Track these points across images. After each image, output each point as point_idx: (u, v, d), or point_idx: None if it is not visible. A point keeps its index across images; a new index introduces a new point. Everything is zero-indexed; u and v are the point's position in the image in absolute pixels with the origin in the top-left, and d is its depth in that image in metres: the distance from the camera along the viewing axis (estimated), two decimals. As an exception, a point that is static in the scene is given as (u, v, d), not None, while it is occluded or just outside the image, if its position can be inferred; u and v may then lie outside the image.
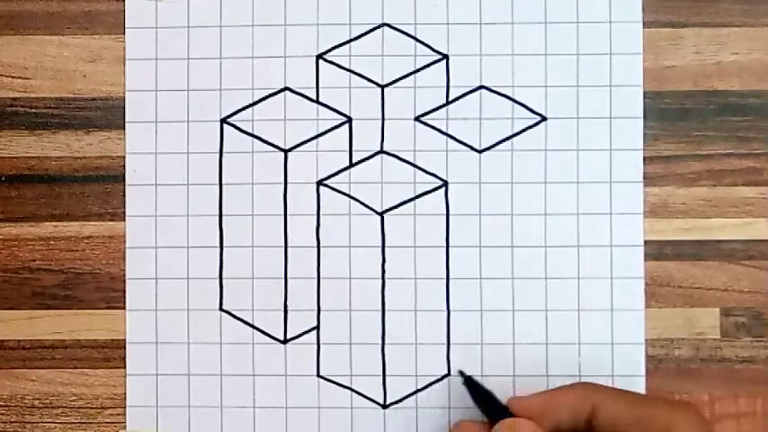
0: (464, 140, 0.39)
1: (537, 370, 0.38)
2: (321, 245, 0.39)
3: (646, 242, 0.38)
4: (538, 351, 0.38)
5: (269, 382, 0.39)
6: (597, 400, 0.33)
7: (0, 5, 0.39)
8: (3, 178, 0.39)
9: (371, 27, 0.39)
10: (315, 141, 0.39)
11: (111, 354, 0.39)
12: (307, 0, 0.39)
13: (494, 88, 0.39)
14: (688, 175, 0.39)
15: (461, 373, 0.37)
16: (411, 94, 0.39)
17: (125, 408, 0.39)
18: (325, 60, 0.39)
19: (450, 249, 0.38)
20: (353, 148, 0.39)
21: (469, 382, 0.36)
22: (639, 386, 0.38)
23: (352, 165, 0.39)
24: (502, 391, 0.38)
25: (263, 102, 0.39)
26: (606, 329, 0.38)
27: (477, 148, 0.39)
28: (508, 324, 0.38)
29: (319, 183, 0.39)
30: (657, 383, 0.38)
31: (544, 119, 0.39)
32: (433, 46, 0.39)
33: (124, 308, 0.39)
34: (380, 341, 0.38)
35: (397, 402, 0.38)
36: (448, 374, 0.38)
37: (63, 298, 0.39)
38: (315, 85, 0.39)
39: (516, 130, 0.39)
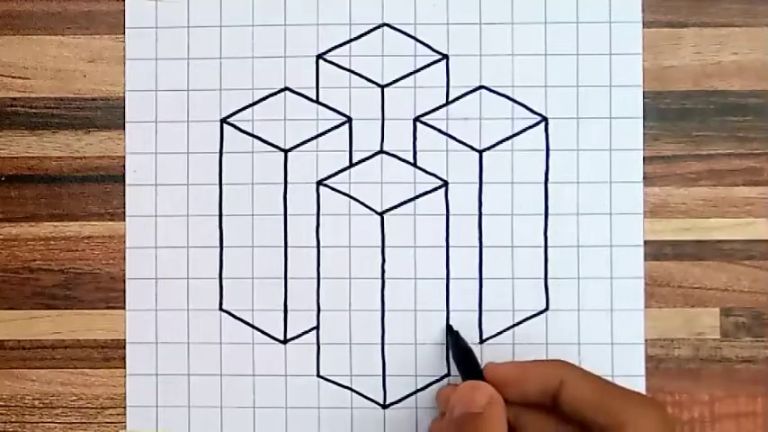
0: (464, 140, 0.39)
1: (537, 370, 0.38)
2: (321, 245, 0.39)
3: (645, 242, 0.38)
4: (538, 351, 0.38)
5: (269, 382, 0.39)
6: (566, 377, 0.33)
7: (0, 5, 0.39)
8: (3, 178, 0.39)
9: (371, 27, 0.39)
10: (315, 141, 0.39)
11: (111, 354, 0.39)
12: (307, 0, 0.39)
13: (494, 88, 0.39)
14: (688, 175, 0.39)
15: (450, 328, 0.38)
16: (411, 94, 0.39)
17: (125, 408, 0.39)
18: (325, 60, 0.39)
19: (450, 249, 0.38)
20: (353, 148, 0.39)
21: (454, 337, 0.37)
22: (640, 386, 0.38)
23: (351, 165, 0.39)
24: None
25: (263, 102, 0.39)
26: (606, 329, 0.38)
27: (478, 148, 0.39)
28: (508, 324, 0.38)
29: (319, 183, 0.39)
30: (657, 383, 0.38)
31: (544, 119, 0.39)
32: (433, 46, 0.39)
33: (124, 308, 0.39)
34: (380, 341, 0.38)
35: (397, 402, 0.38)
36: (448, 374, 0.38)
37: (63, 298, 0.39)
38: (315, 85, 0.39)
39: (516, 130, 0.39)
